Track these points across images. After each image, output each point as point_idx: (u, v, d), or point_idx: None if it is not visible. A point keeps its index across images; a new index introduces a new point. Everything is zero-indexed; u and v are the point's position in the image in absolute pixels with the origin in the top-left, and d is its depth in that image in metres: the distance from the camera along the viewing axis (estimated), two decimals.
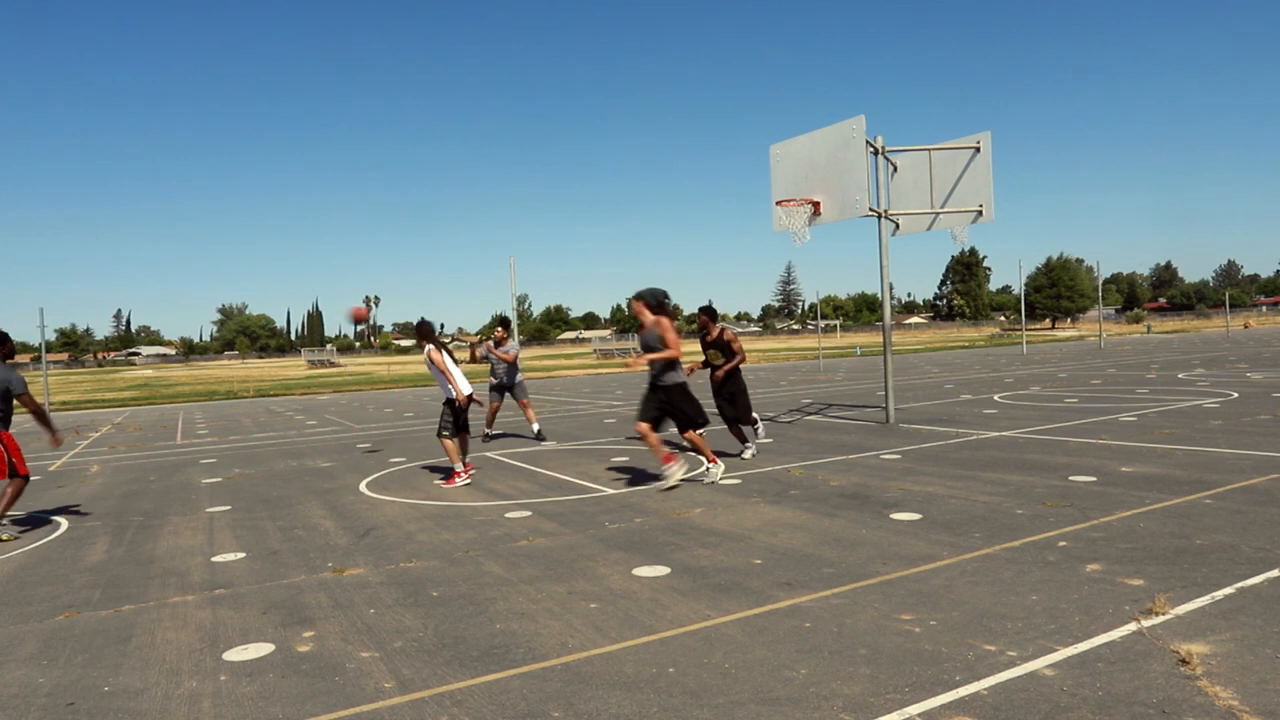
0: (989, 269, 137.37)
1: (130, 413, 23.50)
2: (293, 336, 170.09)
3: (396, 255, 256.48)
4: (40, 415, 6.40)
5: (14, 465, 6.27)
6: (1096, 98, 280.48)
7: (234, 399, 27.83)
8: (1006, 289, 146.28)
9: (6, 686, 3.59)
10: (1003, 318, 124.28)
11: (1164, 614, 3.68)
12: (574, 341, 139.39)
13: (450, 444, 8.14)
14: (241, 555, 5.71)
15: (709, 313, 9.40)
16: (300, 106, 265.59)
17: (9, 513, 6.24)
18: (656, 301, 7.48)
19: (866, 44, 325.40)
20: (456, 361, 8.43)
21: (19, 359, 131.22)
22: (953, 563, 4.64)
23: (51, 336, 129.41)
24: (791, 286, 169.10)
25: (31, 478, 6.64)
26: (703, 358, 9.41)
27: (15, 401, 6.42)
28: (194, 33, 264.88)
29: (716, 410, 9.26)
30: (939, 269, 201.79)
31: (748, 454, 8.88)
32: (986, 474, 7.26)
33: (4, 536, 6.37)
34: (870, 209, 10.86)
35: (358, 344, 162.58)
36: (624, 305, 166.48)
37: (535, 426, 11.49)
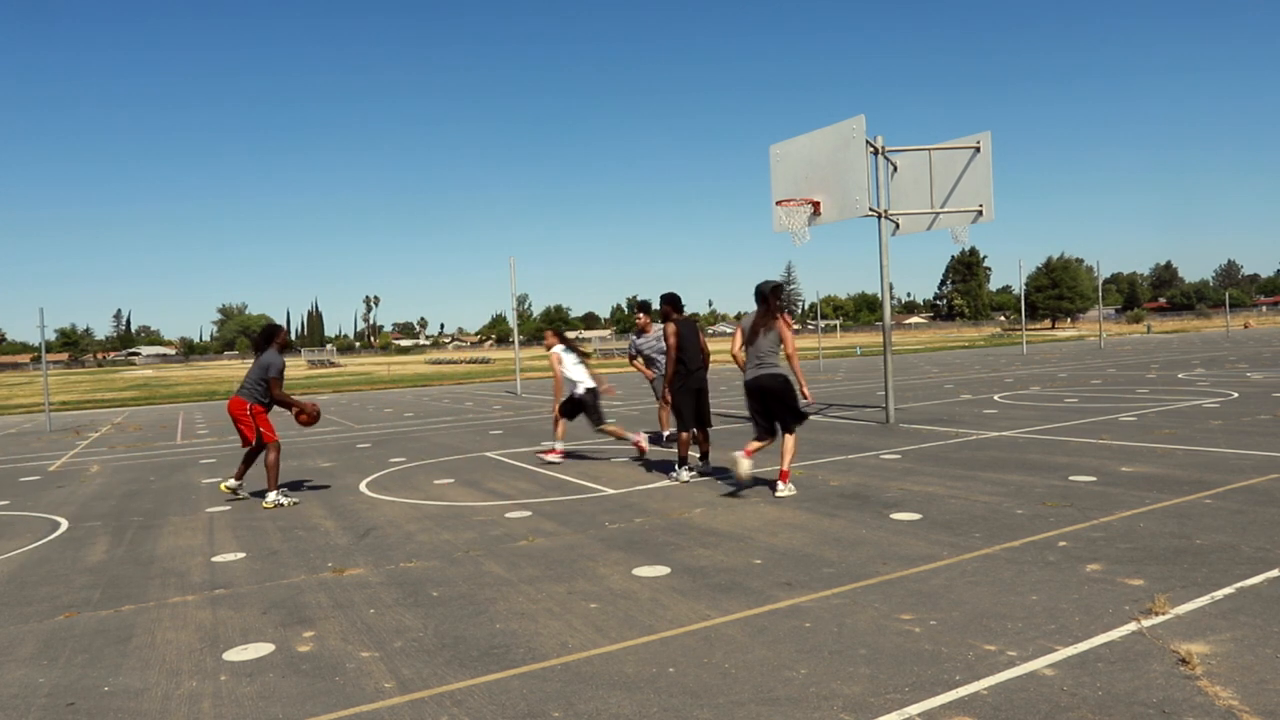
0: (989, 269, 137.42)
1: (130, 413, 23.50)
2: (293, 336, 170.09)
3: (396, 255, 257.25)
4: (283, 402, 7.54)
5: (261, 433, 7.41)
6: (1096, 98, 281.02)
7: None
8: (1006, 289, 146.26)
9: (6, 686, 3.59)
10: (1003, 318, 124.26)
11: (1164, 614, 3.68)
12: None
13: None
14: (241, 555, 5.71)
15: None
16: (300, 106, 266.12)
17: (279, 480, 7.28)
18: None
19: (866, 44, 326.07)
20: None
21: (18, 359, 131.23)
22: (953, 563, 4.64)
23: (51, 336, 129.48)
24: (791, 286, 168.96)
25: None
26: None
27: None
28: (194, 33, 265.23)
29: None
30: (939, 269, 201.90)
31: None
32: (986, 474, 7.25)
33: (286, 503, 7.24)
34: (870, 209, 10.86)
35: (358, 344, 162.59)
36: (624, 305, 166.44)
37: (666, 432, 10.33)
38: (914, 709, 2.94)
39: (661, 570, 4.80)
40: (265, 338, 7.73)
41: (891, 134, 25.07)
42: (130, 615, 4.50)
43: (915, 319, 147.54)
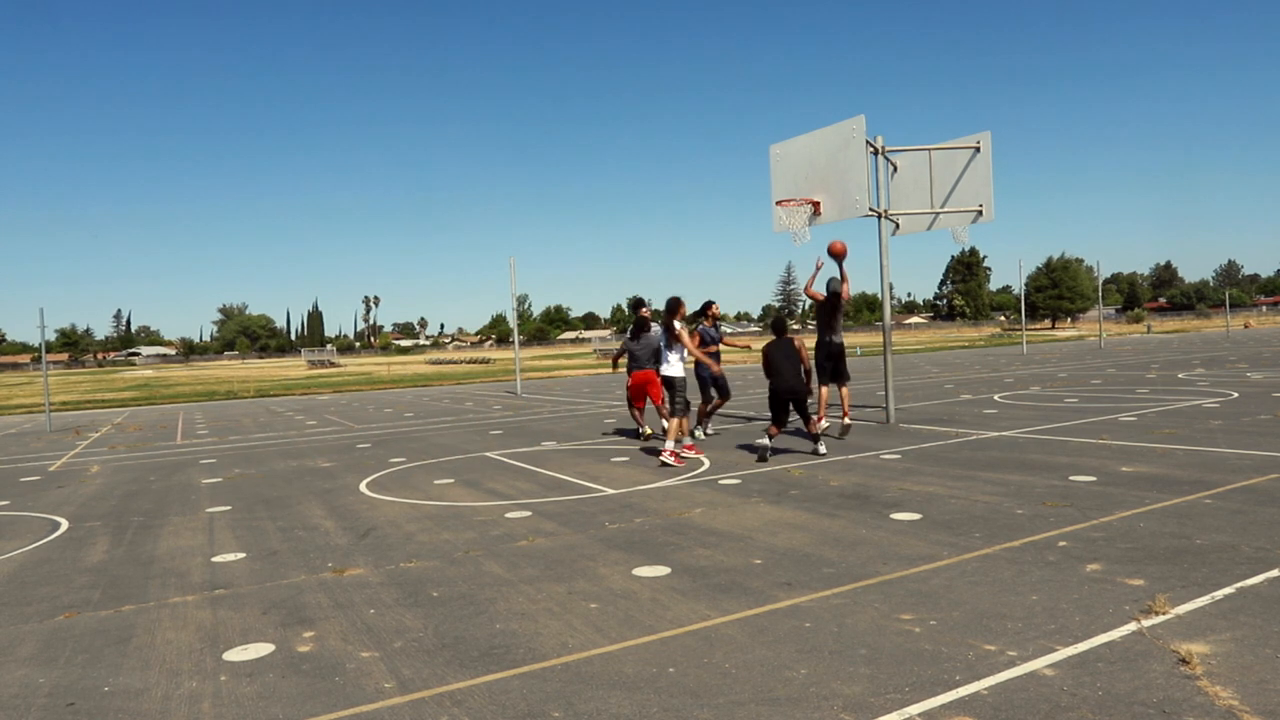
0: (989, 269, 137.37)
1: (130, 413, 23.50)
2: (293, 336, 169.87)
3: (396, 255, 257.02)
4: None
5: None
6: (1096, 98, 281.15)
7: (234, 399, 27.83)
8: (1007, 289, 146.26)
9: (6, 686, 3.59)
10: (1003, 317, 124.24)
11: (1164, 614, 3.68)
12: (574, 341, 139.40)
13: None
14: (241, 555, 5.71)
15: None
16: (300, 106, 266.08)
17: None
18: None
19: (866, 44, 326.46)
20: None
21: (18, 359, 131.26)
22: (953, 563, 4.64)
23: (51, 336, 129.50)
24: (791, 286, 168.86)
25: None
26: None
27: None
28: (194, 32, 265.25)
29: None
30: (939, 269, 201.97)
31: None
32: (986, 474, 7.26)
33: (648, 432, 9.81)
34: (870, 209, 10.86)
35: (358, 344, 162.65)
36: (624, 305, 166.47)
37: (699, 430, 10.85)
38: (914, 709, 2.94)
39: (661, 570, 4.80)
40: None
41: (891, 134, 25.07)
42: (130, 615, 4.50)
43: (915, 319, 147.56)
